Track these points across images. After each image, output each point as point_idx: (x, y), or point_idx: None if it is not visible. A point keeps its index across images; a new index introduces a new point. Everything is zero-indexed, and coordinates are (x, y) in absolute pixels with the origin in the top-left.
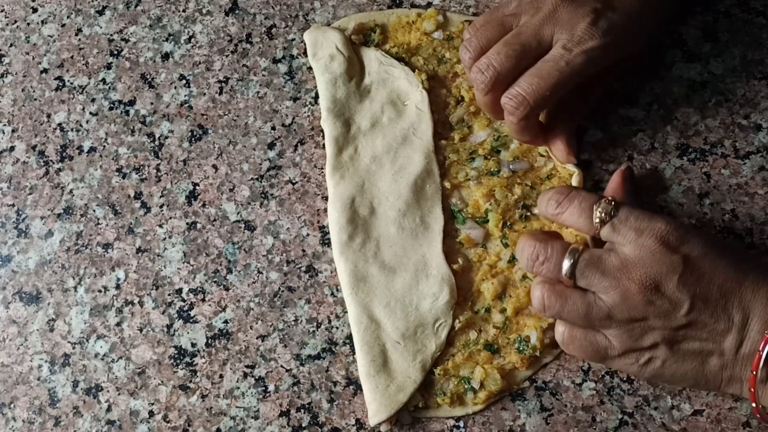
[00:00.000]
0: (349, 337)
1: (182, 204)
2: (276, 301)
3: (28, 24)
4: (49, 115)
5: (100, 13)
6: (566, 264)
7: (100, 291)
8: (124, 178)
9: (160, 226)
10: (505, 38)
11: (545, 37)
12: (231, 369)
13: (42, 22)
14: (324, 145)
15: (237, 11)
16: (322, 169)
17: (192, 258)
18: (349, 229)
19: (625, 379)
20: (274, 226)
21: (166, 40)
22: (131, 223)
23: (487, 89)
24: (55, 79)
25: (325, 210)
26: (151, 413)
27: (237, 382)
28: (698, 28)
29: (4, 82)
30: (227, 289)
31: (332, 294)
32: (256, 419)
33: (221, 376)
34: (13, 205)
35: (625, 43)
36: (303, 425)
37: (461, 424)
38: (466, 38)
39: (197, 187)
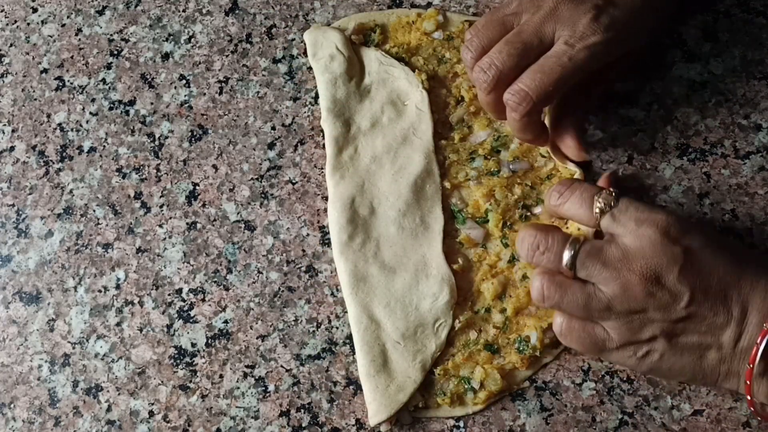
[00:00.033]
0: (349, 337)
1: (182, 204)
2: (276, 301)
3: (28, 24)
4: (49, 115)
5: (100, 13)
6: (567, 254)
7: (100, 291)
8: (124, 178)
9: (160, 226)
10: (506, 37)
11: (547, 34)
12: (231, 369)
13: (42, 22)
14: (324, 145)
15: (237, 11)
16: (322, 169)
17: (192, 258)
18: (349, 229)
19: (625, 379)
20: (274, 226)
21: (166, 40)
22: (131, 223)
23: (489, 88)
24: (55, 79)
25: (325, 210)
26: (151, 413)
27: (237, 382)
28: (698, 28)
29: (4, 82)
30: (227, 289)
31: (332, 294)
32: (256, 419)
33: (221, 376)
34: (13, 205)
35: (627, 39)
36: (303, 425)
37: (461, 424)
38: (467, 38)
39: (197, 187)
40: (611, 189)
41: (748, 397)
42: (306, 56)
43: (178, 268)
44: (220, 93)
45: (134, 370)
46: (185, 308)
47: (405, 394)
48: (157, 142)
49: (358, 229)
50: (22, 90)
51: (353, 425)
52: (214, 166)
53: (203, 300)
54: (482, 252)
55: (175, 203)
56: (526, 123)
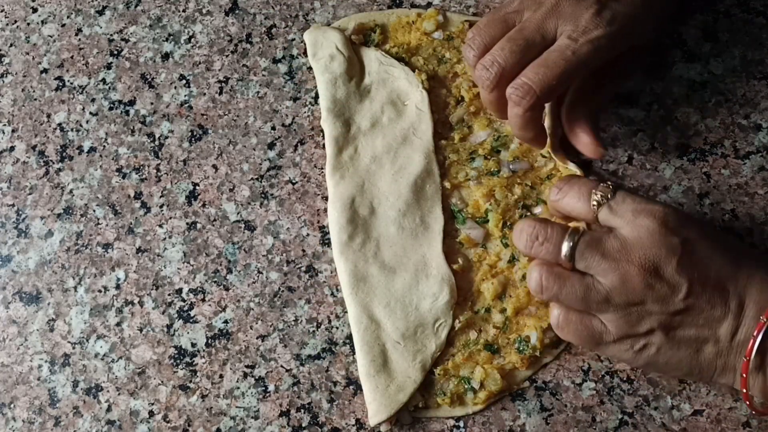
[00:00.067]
0: (349, 337)
1: (182, 204)
2: (276, 301)
3: (28, 24)
4: (49, 115)
5: (100, 13)
6: (566, 245)
7: (100, 291)
8: (124, 178)
9: (160, 226)
10: (508, 35)
11: (549, 31)
12: (231, 369)
13: (42, 22)
14: (324, 145)
15: (237, 11)
16: (322, 169)
17: (192, 258)
18: (349, 229)
19: (625, 379)
20: (274, 226)
21: (166, 40)
22: (131, 223)
23: (492, 86)
24: (55, 79)
25: (325, 210)
26: (151, 413)
27: (237, 382)
28: (698, 28)
29: (4, 82)
30: (227, 289)
31: (332, 294)
32: (256, 419)
33: (221, 376)
34: (13, 205)
35: (630, 33)
36: (303, 425)
37: (461, 424)
38: (469, 37)
39: (197, 187)
40: (608, 182)
41: (744, 391)
42: (306, 56)
43: (178, 268)
44: (220, 93)
45: (134, 370)
46: (185, 308)
47: (405, 394)
48: (157, 142)
49: (358, 229)
50: (22, 90)
51: (353, 425)
52: (214, 166)
53: (203, 300)
54: (482, 252)
55: (175, 203)
56: (529, 118)
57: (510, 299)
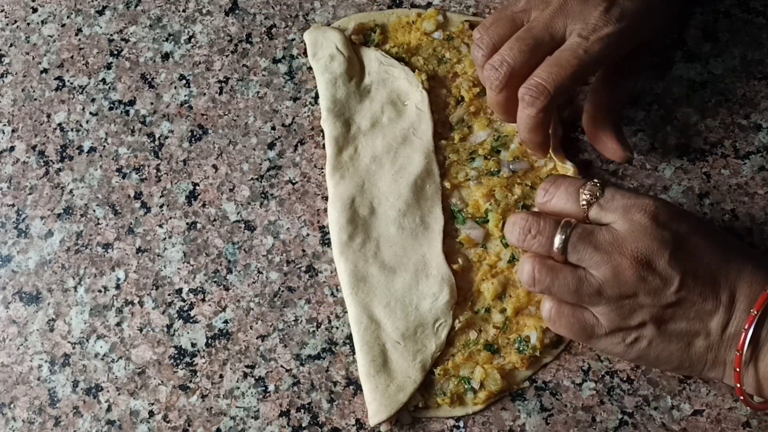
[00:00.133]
0: (349, 337)
1: (182, 204)
2: (276, 301)
3: (28, 24)
4: (49, 115)
5: (100, 13)
6: (558, 238)
7: (100, 291)
8: (124, 178)
9: (160, 226)
10: (516, 34)
11: (558, 30)
12: (231, 369)
13: (42, 22)
14: (324, 145)
15: (237, 11)
16: (322, 169)
17: (192, 258)
18: (349, 229)
19: (625, 379)
20: (274, 226)
21: (166, 40)
22: (131, 223)
23: (501, 86)
24: (55, 79)
25: (325, 210)
26: (151, 413)
27: (237, 382)
28: (698, 28)
29: (4, 82)
30: (227, 289)
31: (332, 294)
32: (256, 419)
33: (221, 376)
34: (13, 205)
35: (640, 28)
36: (303, 425)
37: (461, 424)
38: (476, 37)
39: (197, 187)
40: (595, 180)
41: (737, 385)
42: (306, 56)
43: (178, 268)
44: (220, 93)
45: (134, 370)
46: (185, 308)
47: (405, 394)
48: (157, 142)
49: (358, 229)
50: (22, 90)
51: (353, 425)
52: (214, 166)
53: (203, 300)
54: (482, 252)
55: (175, 203)
56: (541, 120)
57: (510, 299)
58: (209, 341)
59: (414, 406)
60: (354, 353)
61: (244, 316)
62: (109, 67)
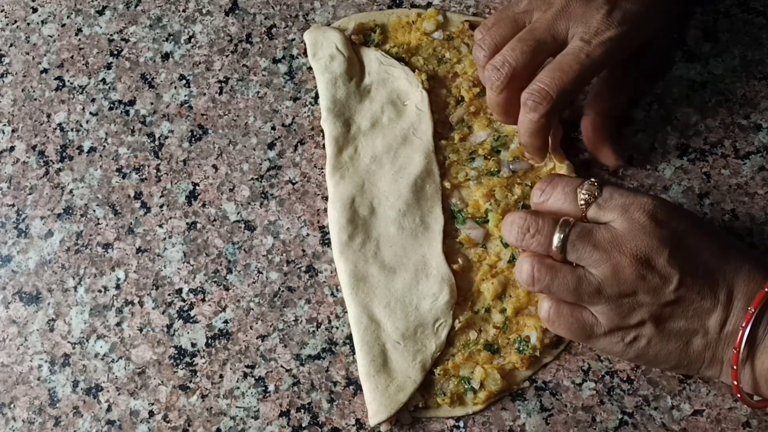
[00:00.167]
0: (349, 337)
1: (182, 204)
2: (276, 301)
3: (28, 24)
4: (49, 115)
5: (100, 13)
6: (557, 237)
7: (100, 291)
8: (124, 178)
9: (160, 226)
10: (519, 35)
11: (560, 32)
12: (231, 369)
13: (42, 22)
14: (324, 145)
15: (237, 11)
16: (322, 169)
17: (192, 258)
18: (349, 229)
19: (625, 379)
20: (274, 226)
21: (166, 40)
22: (131, 223)
23: (502, 86)
24: (55, 79)
25: (325, 210)
26: (151, 413)
27: (237, 382)
28: (698, 28)
29: (4, 82)
30: (227, 289)
31: (332, 294)
32: (256, 419)
33: (221, 376)
34: (13, 205)
35: (640, 30)
36: (303, 425)
37: (461, 424)
38: (478, 37)
39: (197, 187)
40: (592, 179)
41: (735, 383)
42: (306, 56)
43: (178, 268)
44: (220, 93)
45: (134, 370)
46: (185, 308)
47: (405, 394)
48: (157, 142)
49: (358, 229)
50: (22, 90)
51: (353, 425)
52: (214, 166)
53: (203, 300)
54: (482, 252)
55: (175, 203)
56: (543, 125)
57: (510, 299)
58: (209, 341)
59: (414, 406)
60: (354, 353)
61: (244, 316)
62: (109, 67)
